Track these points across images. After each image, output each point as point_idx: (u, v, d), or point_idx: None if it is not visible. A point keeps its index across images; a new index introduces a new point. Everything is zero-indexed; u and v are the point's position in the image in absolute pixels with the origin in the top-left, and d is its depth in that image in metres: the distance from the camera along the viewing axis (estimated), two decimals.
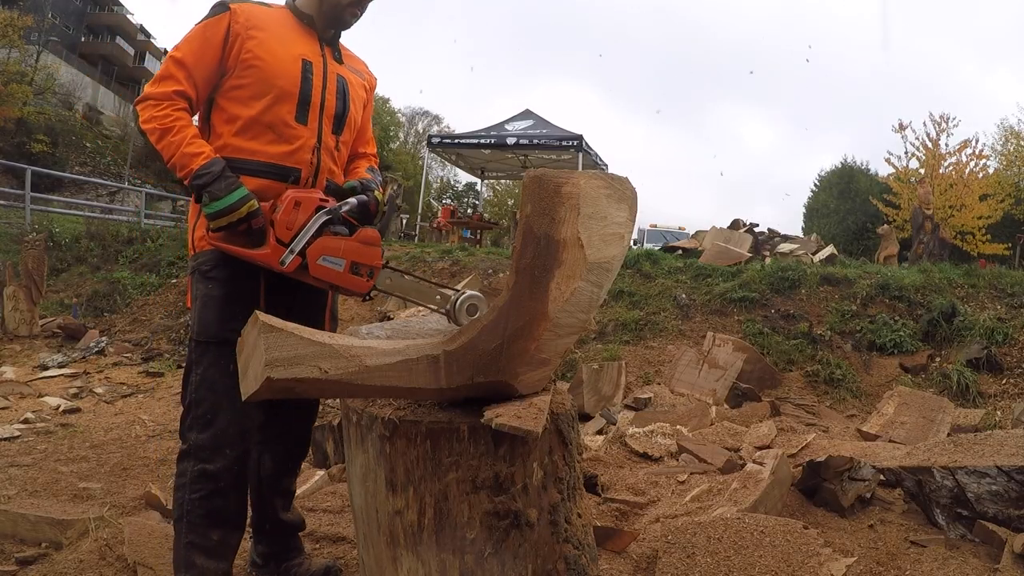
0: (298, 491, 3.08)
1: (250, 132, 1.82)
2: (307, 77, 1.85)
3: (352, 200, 1.77)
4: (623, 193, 1.26)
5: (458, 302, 1.59)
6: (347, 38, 2.04)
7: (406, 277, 1.74)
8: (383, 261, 1.72)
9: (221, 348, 1.81)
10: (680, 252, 10.23)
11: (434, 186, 43.55)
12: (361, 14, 1.95)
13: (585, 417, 4.86)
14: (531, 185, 1.16)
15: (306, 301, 1.97)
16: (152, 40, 46.66)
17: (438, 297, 1.66)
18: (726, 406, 5.17)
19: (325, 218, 1.68)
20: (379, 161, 2.21)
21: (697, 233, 12.69)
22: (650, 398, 5.26)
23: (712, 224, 11.60)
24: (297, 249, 1.65)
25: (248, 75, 1.80)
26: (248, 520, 1.96)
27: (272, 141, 1.83)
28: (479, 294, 1.60)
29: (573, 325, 1.26)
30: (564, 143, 14.92)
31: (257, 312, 1.14)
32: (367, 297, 1.72)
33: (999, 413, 5.17)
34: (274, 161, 1.83)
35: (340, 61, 1.99)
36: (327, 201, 1.72)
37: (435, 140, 17.41)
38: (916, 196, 13.69)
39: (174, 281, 9.33)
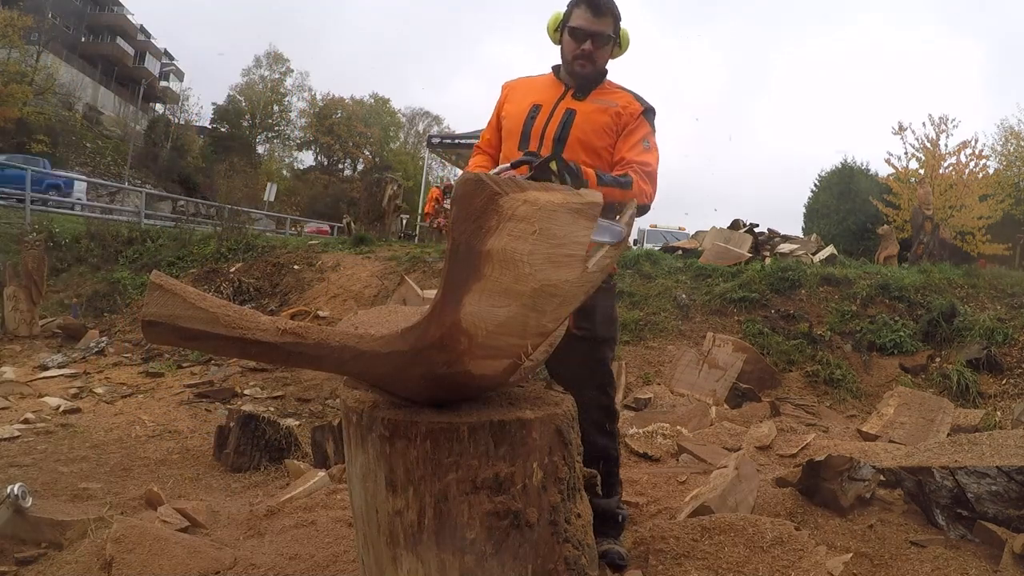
0: (297, 491, 3.08)
1: None
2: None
3: None
4: (591, 214, 1.13)
5: None
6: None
7: None
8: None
9: None
10: (680, 252, 10.22)
11: (434, 186, 43.57)
12: None
13: None
14: (465, 186, 1.00)
15: None
16: (152, 40, 46.65)
17: None
18: (726, 406, 5.17)
19: None
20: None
21: (697, 233, 12.67)
22: (650, 398, 5.26)
23: (712, 224, 11.59)
24: None
25: None
26: None
27: None
28: None
29: (501, 348, 1.15)
30: None
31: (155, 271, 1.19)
32: None
33: (999, 413, 5.18)
34: None
35: None
36: None
37: (435, 140, 17.45)
38: (916, 196, 13.69)
39: None
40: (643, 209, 2.12)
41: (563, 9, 2.26)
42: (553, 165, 1.81)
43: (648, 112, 2.22)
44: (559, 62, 2.31)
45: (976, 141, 21.55)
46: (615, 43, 2.24)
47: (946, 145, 21.81)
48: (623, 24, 2.24)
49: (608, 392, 2.27)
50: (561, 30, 2.23)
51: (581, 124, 2.18)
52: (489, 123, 2.43)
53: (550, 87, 2.28)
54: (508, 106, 2.31)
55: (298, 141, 46.27)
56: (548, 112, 2.20)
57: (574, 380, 2.05)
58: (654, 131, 2.21)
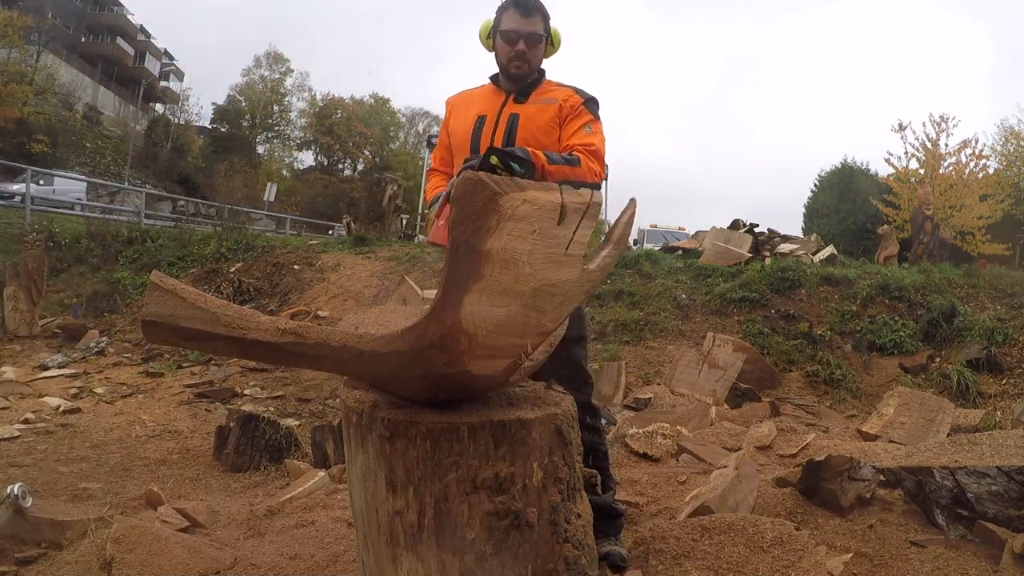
0: (297, 491, 3.08)
1: None
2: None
3: None
4: (591, 213, 1.14)
5: None
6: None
7: None
8: None
9: None
10: (680, 252, 10.22)
11: None
12: None
13: None
14: (464, 186, 0.99)
15: None
16: (152, 40, 46.63)
17: None
18: (726, 406, 5.17)
19: None
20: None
21: (697, 233, 12.66)
22: (650, 398, 5.26)
23: (712, 224, 11.58)
24: None
25: None
26: None
27: None
28: None
29: (501, 348, 1.15)
30: None
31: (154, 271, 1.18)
32: None
33: (999, 413, 5.18)
34: None
35: None
36: None
37: (435, 140, 17.41)
38: (916, 196, 13.69)
39: None
40: (592, 187, 2.18)
41: (492, 17, 2.32)
42: (493, 159, 1.82)
43: (589, 102, 2.27)
44: (495, 71, 2.36)
45: (976, 141, 21.55)
46: (547, 42, 2.29)
47: (946, 145, 21.80)
48: (553, 23, 2.30)
49: (585, 390, 2.29)
50: (493, 36, 2.29)
51: (526, 125, 2.24)
52: (440, 142, 2.46)
53: (491, 96, 2.33)
54: (453, 122, 2.35)
55: (298, 141, 46.25)
56: (493, 120, 2.26)
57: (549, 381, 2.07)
58: (597, 119, 2.27)
